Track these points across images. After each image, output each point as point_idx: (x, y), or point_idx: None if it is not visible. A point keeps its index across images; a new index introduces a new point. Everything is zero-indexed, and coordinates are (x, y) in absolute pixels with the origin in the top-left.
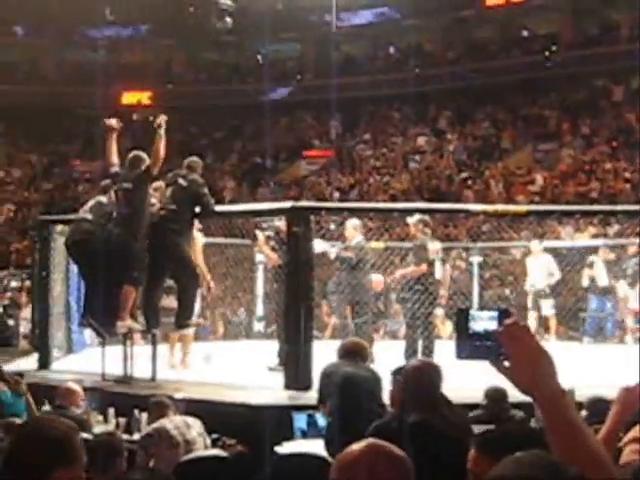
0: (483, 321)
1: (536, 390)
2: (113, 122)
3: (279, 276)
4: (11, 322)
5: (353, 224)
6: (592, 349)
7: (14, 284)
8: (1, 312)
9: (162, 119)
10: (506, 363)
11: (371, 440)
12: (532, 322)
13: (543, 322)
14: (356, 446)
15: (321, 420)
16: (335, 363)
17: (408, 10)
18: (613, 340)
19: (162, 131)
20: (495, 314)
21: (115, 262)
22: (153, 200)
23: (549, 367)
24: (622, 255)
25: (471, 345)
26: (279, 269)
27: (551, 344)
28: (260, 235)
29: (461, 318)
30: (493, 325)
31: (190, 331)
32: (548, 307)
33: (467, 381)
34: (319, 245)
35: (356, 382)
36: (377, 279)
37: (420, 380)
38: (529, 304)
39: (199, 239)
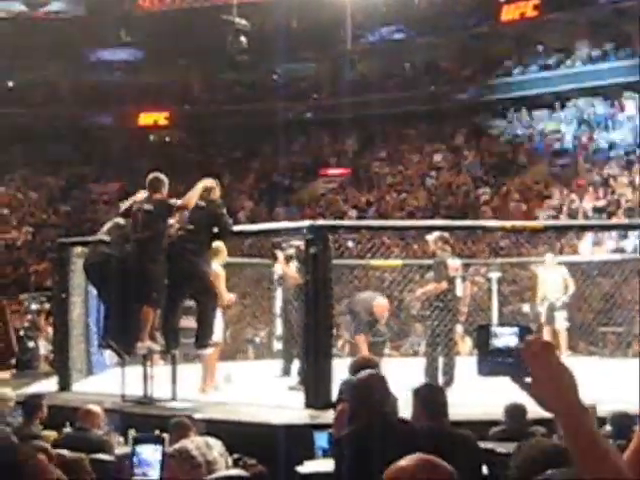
0: (504, 337)
1: (558, 407)
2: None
3: (299, 295)
4: (31, 344)
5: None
6: (613, 364)
7: (34, 307)
8: (22, 335)
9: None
10: (527, 379)
11: (419, 455)
12: (547, 336)
13: (554, 336)
14: (404, 461)
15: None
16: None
17: (423, 27)
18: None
19: (201, 186)
20: (516, 330)
21: (133, 283)
22: (171, 221)
23: (571, 383)
24: None
25: (492, 361)
26: (299, 288)
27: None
28: (280, 255)
29: (482, 334)
30: (514, 341)
31: (213, 355)
32: (561, 320)
33: (487, 398)
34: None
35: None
36: (380, 303)
37: (370, 391)
38: (542, 318)
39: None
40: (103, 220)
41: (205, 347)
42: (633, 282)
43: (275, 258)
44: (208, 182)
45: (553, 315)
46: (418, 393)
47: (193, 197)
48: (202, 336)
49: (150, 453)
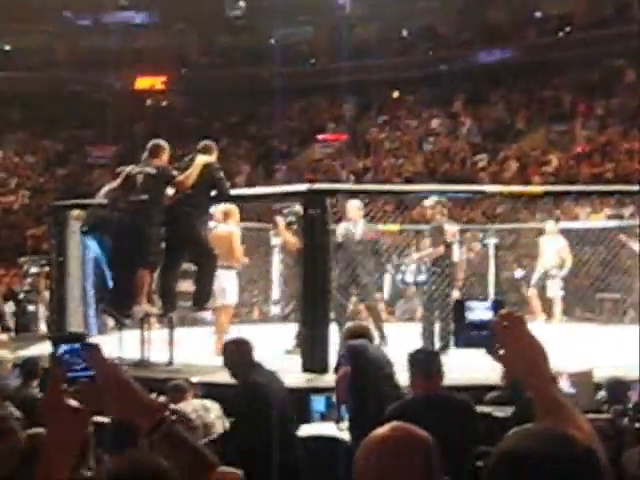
0: (479, 311)
1: (528, 377)
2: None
3: (299, 260)
4: (31, 308)
5: (357, 205)
6: (609, 330)
7: (34, 270)
8: (23, 297)
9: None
10: (501, 351)
11: (395, 423)
12: (533, 300)
13: (547, 303)
14: (381, 430)
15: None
16: (361, 342)
17: None
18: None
19: (200, 163)
20: (490, 304)
21: (130, 246)
22: (169, 190)
23: (540, 355)
24: None
25: (468, 334)
26: (300, 254)
27: (555, 326)
28: (280, 220)
29: (458, 309)
30: (488, 315)
31: (226, 317)
32: (556, 288)
33: (484, 363)
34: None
35: (381, 363)
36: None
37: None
38: (532, 281)
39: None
40: (100, 184)
41: (203, 309)
42: (630, 249)
43: (275, 224)
44: (207, 159)
45: (545, 282)
46: (413, 358)
47: (192, 175)
48: (199, 298)
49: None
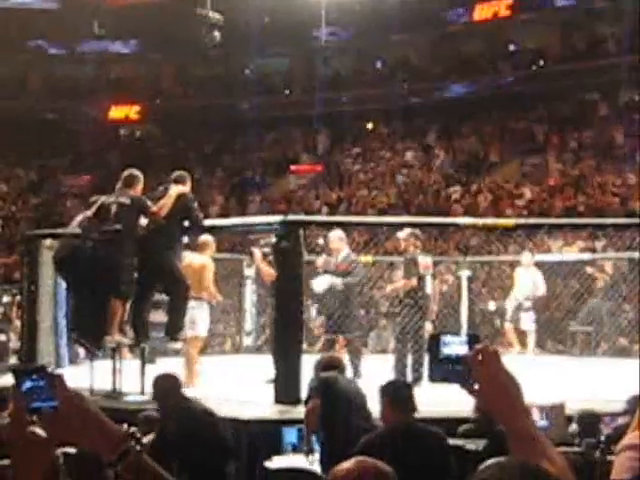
0: (454, 346)
1: (502, 410)
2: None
3: (273, 291)
4: (2, 337)
5: (338, 235)
6: (582, 363)
7: (6, 299)
8: None
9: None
10: (476, 386)
11: (360, 457)
12: (510, 334)
13: (521, 336)
14: (346, 464)
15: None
16: (332, 374)
17: (395, 24)
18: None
19: (174, 194)
20: (465, 339)
21: (102, 276)
22: (143, 221)
23: (514, 390)
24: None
25: (443, 369)
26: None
27: (529, 359)
28: (257, 252)
29: (433, 343)
30: (463, 350)
31: (196, 348)
32: (529, 321)
33: (457, 395)
34: (324, 280)
35: (352, 395)
36: None
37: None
38: (507, 316)
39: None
40: (73, 213)
41: (175, 339)
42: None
43: (252, 255)
44: (181, 190)
45: (519, 315)
46: (385, 390)
47: (166, 206)
48: (172, 328)
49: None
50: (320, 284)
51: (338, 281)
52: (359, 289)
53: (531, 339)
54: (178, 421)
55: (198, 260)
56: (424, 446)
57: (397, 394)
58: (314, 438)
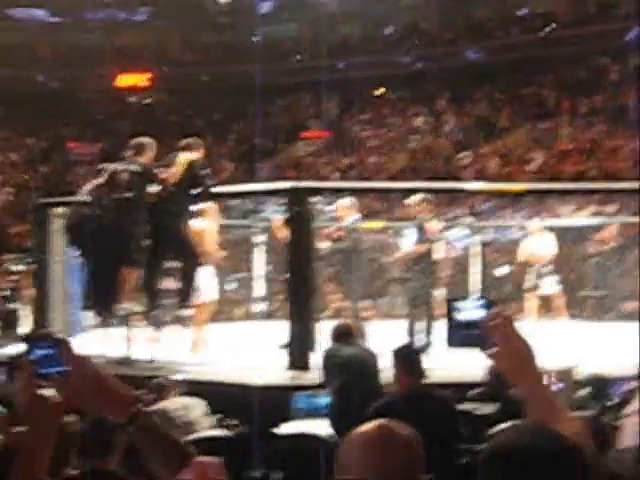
0: (471, 310)
1: (517, 376)
2: None
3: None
4: (14, 306)
5: (344, 204)
6: (593, 327)
7: (17, 268)
8: (8, 295)
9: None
10: (492, 349)
11: (381, 421)
12: (532, 302)
13: (547, 301)
14: (365, 427)
15: (322, 400)
16: (336, 346)
17: None
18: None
19: (185, 161)
20: (481, 303)
21: (113, 244)
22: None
23: (528, 355)
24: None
25: (461, 333)
26: None
27: (560, 324)
28: (276, 218)
29: (450, 308)
30: (481, 314)
31: (204, 314)
32: (553, 285)
33: (467, 360)
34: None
35: (358, 363)
36: None
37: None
38: (528, 284)
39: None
40: (83, 182)
41: (186, 306)
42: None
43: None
44: (192, 157)
45: (538, 282)
46: (397, 354)
47: (176, 173)
48: (183, 295)
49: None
50: None
51: (323, 246)
52: (352, 255)
53: (560, 302)
54: None
55: (197, 225)
56: (434, 410)
57: (409, 359)
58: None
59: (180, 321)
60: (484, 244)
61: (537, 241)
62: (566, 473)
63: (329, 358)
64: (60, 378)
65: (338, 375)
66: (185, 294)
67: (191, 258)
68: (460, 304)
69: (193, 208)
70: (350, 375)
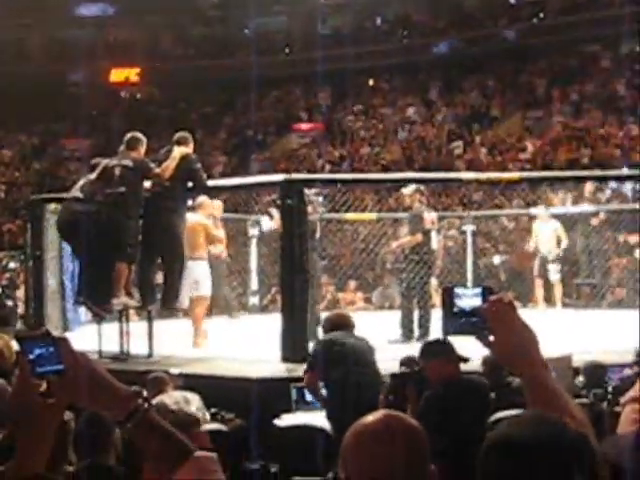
0: (468, 298)
1: (519, 364)
2: None
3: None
4: (9, 302)
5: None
6: (588, 315)
7: (12, 265)
8: (1, 292)
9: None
10: (491, 338)
11: (386, 411)
12: (538, 289)
13: (550, 288)
14: (371, 417)
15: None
16: (334, 335)
17: None
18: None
19: (178, 155)
20: (479, 291)
21: (108, 239)
22: (146, 183)
23: (531, 341)
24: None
25: (457, 321)
26: None
27: (557, 311)
28: (275, 212)
29: (446, 296)
30: (477, 302)
31: (202, 309)
32: (554, 272)
33: (464, 349)
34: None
35: (359, 351)
36: None
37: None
38: (535, 271)
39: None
40: (76, 177)
41: (171, 308)
42: (606, 233)
43: (270, 216)
44: (184, 151)
45: (546, 268)
46: (431, 348)
47: (170, 167)
48: (169, 296)
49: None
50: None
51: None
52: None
53: (557, 291)
54: None
55: (192, 219)
56: (478, 395)
57: (446, 349)
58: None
59: (176, 315)
60: (476, 233)
61: (544, 227)
62: (571, 462)
63: (329, 347)
64: (57, 377)
65: (341, 363)
66: (172, 293)
67: (174, 258)
68: (457, 291)
69: (188, 202)
70: (352, 364)
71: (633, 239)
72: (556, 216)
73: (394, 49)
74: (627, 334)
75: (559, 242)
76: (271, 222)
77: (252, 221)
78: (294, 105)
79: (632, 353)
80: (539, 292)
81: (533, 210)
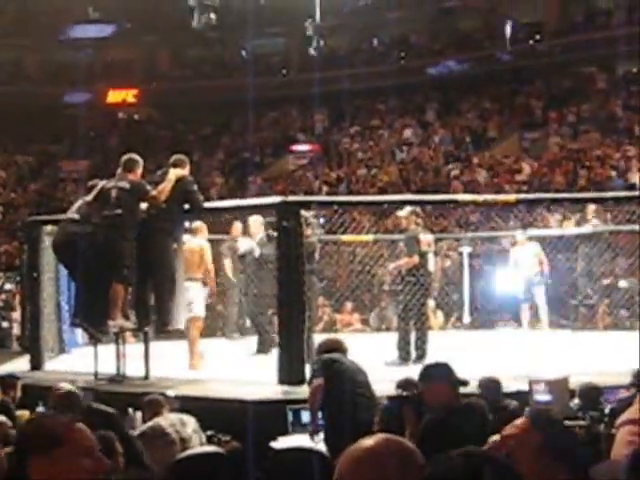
0: None
1: None
2: None
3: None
4: (5, 324)
5: (258, 219)
6: (585, 336)
7: (8, 286)
8: None
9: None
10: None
11: (382, 434)
12: (525, 313)
13: (535, 311)
14: (367, 441)
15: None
16: (332, 355)
17: (392, 1)
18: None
19: (174, 178)
20: None
21: (104, 261)
22: (142, 205)
23: None
24: None
25: None
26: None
27: (543, 334)
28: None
29: None
30: None
31: (195, 330)
32: (540, 295)
33: (461, 372)
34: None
35: (358, 372)
36: None
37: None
38: (521, 295)
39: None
40: (73, 198)
41: (164, 331)
42: (604, 255)
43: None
44: (180, 173)
45: (531, 292)
46: (440, 373)
47: (166, 190)
48: (160, 321)
49: None
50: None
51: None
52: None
53: (543, 313)
54: None
55: (196, 242)
56: (479, 418)
57: (451, 372)
58: (319, 417)
59: (172, 337)
60: (471, 255)
61: (524, 252)
62: None
63: (329, 364)
64: None
65: (339, 380)
66: (163, 317)
67: (168, 281)
68: None
69: (185, 225)
70: (349, 383)
71: (631, 260)
72: (546, 238)
73: (391, 71)
74: (623, 356)
75: (541, 264)
76: (251, 242)
77: (229, 242)
78: (291, 126)
79: (629, 375)
80: (525, 315)
81: (515, 233)
